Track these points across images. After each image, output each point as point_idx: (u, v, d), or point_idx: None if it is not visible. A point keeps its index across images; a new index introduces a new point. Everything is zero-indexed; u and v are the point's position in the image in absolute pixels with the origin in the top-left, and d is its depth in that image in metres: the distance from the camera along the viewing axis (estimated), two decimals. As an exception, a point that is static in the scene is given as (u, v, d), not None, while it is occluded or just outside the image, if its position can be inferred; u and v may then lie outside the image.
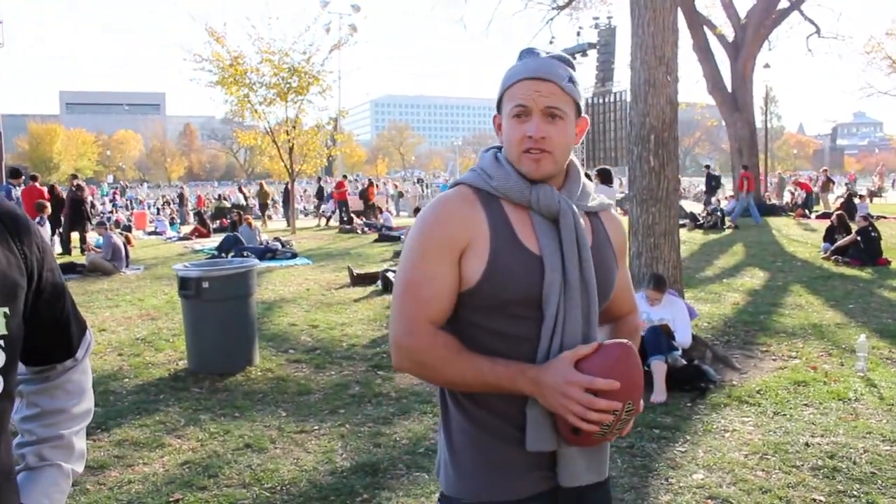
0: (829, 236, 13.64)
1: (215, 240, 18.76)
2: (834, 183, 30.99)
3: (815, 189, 27.61)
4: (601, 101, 38.30)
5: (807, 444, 4.67)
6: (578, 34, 36.08)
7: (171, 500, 4.11)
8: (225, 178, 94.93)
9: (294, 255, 15.46)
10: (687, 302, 6.98)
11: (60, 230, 16.58)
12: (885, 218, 19.73)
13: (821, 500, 3.93)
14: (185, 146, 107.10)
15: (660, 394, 5.60)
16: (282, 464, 4.56)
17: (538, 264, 1.61)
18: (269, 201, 31.25)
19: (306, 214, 31.96)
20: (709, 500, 3.96)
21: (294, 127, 22.81)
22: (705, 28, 24.44)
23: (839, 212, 14.91)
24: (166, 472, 4.50)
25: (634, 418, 1.61)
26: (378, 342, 7.58)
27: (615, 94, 37.33)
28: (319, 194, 31.96)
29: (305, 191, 33.37)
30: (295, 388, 6.09)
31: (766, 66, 29.73)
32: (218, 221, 25.56)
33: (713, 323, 8.18)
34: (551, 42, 38.22)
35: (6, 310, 1.14)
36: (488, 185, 1.67)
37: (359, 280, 11.29)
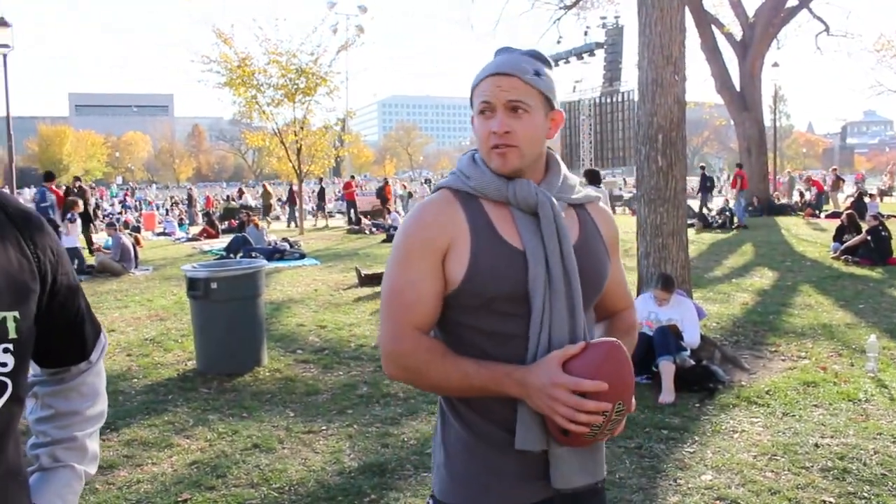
0: (839, 236, 13.58)
1: (224, 240, 18.81)
2: (844, 182, 30.87)
3: (826, 188, 27.52)
4: (609, 100, 38.27)
5: (816, 446, 4.65)
6: (586, 34, 36.09)
7: (179, 499, 4.12)
8: (233, 179, 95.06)
9: (302, 256, 15.49)
10: (695, 302, 6.96)
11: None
12: (895, 217, 19.63)
13: (830, 502, 3.91)
14: (194, 147, 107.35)
15: (668, 394, 5.58)
16: (290, 464, 4.56)
17: (521, 259, 1.60)
18: (273, 202, 31.34)
19: (314, 215, 32.00)
20: (717, 502, 3.94)
21: (302, 128, 22.84)
22: (713, 27, 24.37)
23: (849, 211, 14.85)
24: (175, 472, 4.51)
25: (631, 418, 1.59)
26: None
27: (623, 93, 37.29)
28: (321, 195, 32.00)
29: (314, 191, 33.42)
30: (303, 389, 6.10)
31: (775, 64, 29.61)
32: (226, 222, 25.62)
33: (722, 323, 8.15)
34: (558, 42, 38.21)
35: (16, 314, 1.14)
36: (467, 186, 1.68)
37: (367, 280, 11.30)
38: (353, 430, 5.11)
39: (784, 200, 28.95)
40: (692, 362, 6.00)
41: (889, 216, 18.19)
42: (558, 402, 1.49)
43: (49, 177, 14.01)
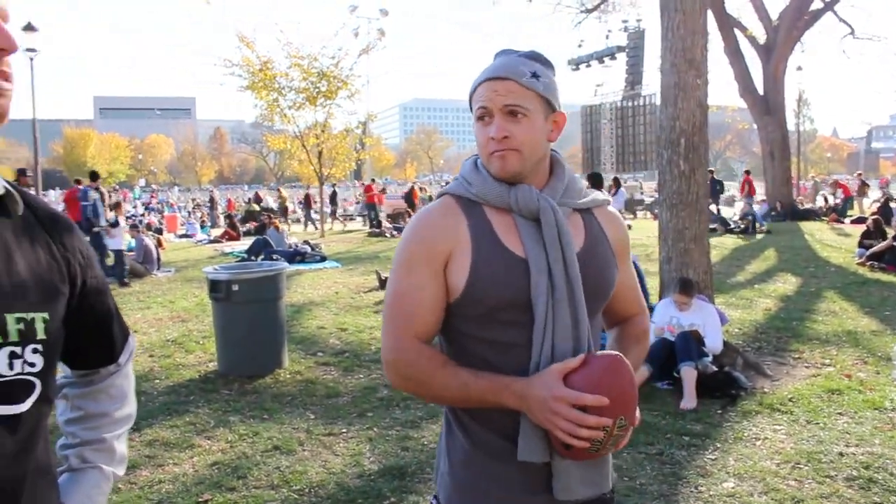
0: (865, 241, 13.42)
1: (245, 243, 18.92)
2: (869, 187, 30.53)
3: (851, 193, 27.24)
4: (630, 104, 38.14)
5: (841, 454, 4.59)
6: (607, 37, 36.00)
7: (200, 500, 4.15)
8: (255, 182, 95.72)
9: (323, 259, 15.54)
10: (718, 307, 6.90)
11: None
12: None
13: (855, 511, 3.86)
14: (216, 150, 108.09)
15: (690, 400, 5.54)
16: (310, 466, 4.57)
17: (523, 267, 1.58)
18: (288, 205, 31.51)
19: (336, 218, 32.11)
20: (740, 509, 3.91)
21: (323, 131, 22.94)
22: (736, 30, 24.18)
23: (875, 216, 14.67)
24: (196, 473, 4.54)
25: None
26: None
27: (644, 97, 37.13)
28: (333, 198, 32.08)
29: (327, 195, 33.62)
30: (323, 391, 6.12)
31: (799, 68, 29.42)
32: (248, 225, 25.77)
33: (744, 329, 8.08)
34: (580, 45, 38.19)
35: (45, 315, 1.15)
36: (469, 192, 1.65)
37: (387, 283, 11.31)
38: (374, 433, 5.12)
39: (808, 205, 28.66)
40: (714, 368, 5.95)
41: (915, 221, 17.99)
42: (559, 417, 1.46)
43: (94, 176, 14.07)
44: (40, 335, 1.13)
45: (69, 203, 14.43)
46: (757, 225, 19.85)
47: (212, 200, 35.78)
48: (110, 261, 13.19)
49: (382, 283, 11.38)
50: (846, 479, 4.22)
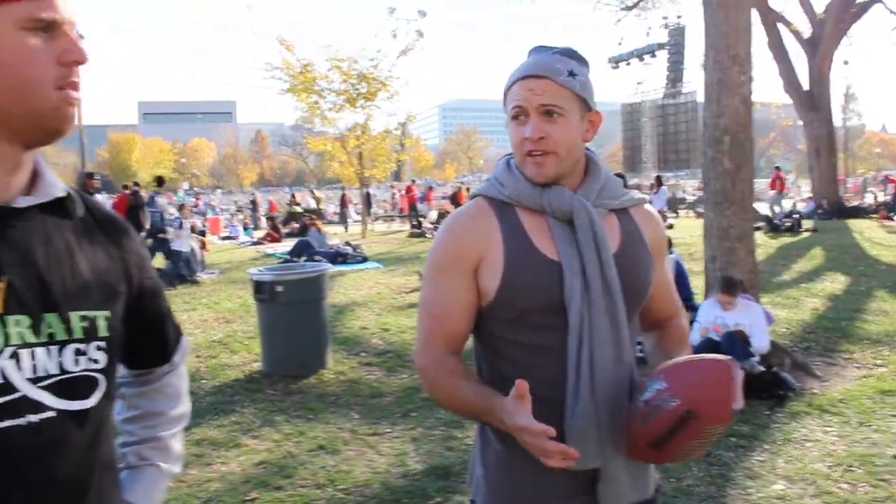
0: (915, 239, 13.09)
1: (287, 244, 19.09)
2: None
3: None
4: (671, 102, 37.70)
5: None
6: (648, 34, 35.61)
7: (247, 499, 4.21)
8: (296, 184, 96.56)
9: (365, 259, 15.61)
10: (764, 307, 6.80)
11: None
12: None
13: (910, 515, 3.77)
14: (257, 153, 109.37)
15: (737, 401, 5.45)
16: (355, 465, 4.61)
17: (556, 270, 1.55)
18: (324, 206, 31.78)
19: (375, 218, 32.28)
20: (790, 512, 3.84)
21: (363, 132, 23.06)
22: (780, 25, 23.76)
23: (925, 213, 14.30)
24: (243, 472, 4.60)
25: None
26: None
27: (686, 94, 36.69)
28: (366, 200, 32.23)
29: (374, 195, 33.76)
30: (367, 391, 6.16)
31: (846, 62, 28.83)
32: (289, 226, 26.00)
33: (791, 329, 7.94)
34: (620, 43, 37.88)
35: (108, 313, 1.18)
36: (502, 194, 1.63)
37: (420, 287, 11.33)
38: (418, 433, 5.14)
39: (856, 202, 28.05)
40: (761, 369, 5.86)
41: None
42: (529, 446, 1.39)
43: (160, 182, 14.36)
44: (103, 333, 1.16)
45: (118, 208, 14.71)
46: (802, 223, 19.51)
47: (253, 203, 36.15)
48: (158, 262, 13.43)
49: (424, 284, 11.40)
50: (901, 483, 4.13)
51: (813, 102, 23.85)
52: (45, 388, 1.06)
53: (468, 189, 20.24)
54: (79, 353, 1.12)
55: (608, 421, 1.54)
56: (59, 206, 1.16)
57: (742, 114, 6.61)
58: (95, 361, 1.14)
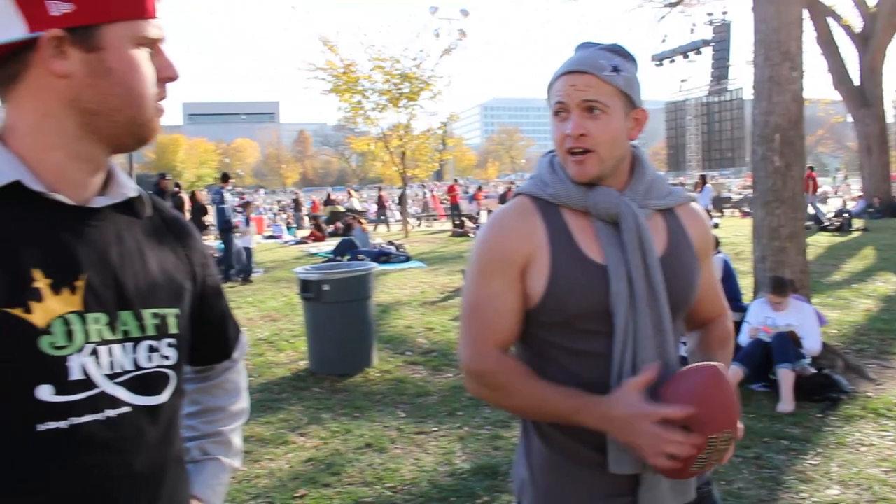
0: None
1: (331, 243, 19.25)
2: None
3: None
4: (716, 99, 37.23)
5: (954, 462, 4.37)
6: (692, 31, 35.20)
7: (296, 495, 4.25)
8: (338, 184, 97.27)
9: (408, 259, 15.67)
10: (815, 308, 6.66)
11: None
12: None
13: (972, 522, 3.67)
14: (300, 152, 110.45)
15: (787, 403, 5.37)
16: (402, 464, 4.63)
17: (602, 274, 1.51)
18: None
19: (419, 220, 32.37)
20: (846, 517, 3.77)
21: (406, 132, 23.15)
22: (829, 19, 23.25)
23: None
24: (291, 469, 4.65)
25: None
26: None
27: (731, 91, 36.20)
28: (401, 200, 32.29)
29: (417, 195, 33.83)
30: (413, 390, 6.18)
31: (898, 57, 28.00)
32: (332, 226, 26.22)
33: (843, 330, 7.77)
34: (664, 40, 37.46)
35: (177, 311, 1.21)
36: (545, 193, 1.59)
37: (463, 289, 11.32)
38: (464, 432, 5.15)
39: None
40: (813, 371, 5.75)
41: None
42: (641, 435, 1.41)
43: (225, 178, 14.61)
44: (173, 330, 1.19)
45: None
46: (855, 222, 19.09)
47: (296, 202, 36.51)
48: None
49: (467, 283, 11.40)
50: (961, 489, 4.02)
51: (864, 98, 23.28)
52: (120, 383, 1.09)
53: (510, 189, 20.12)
54: (151, 349, 1.15)
55: None
56: (128, 206, 1.19)
57: (793, 111, 6.49)
58: (167, 358, 1.18)
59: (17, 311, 0.99)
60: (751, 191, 7.67)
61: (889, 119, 26.85)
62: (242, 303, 10.92)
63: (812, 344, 5.95)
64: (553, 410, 1.51)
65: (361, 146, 25.38)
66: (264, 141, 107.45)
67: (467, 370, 1.60)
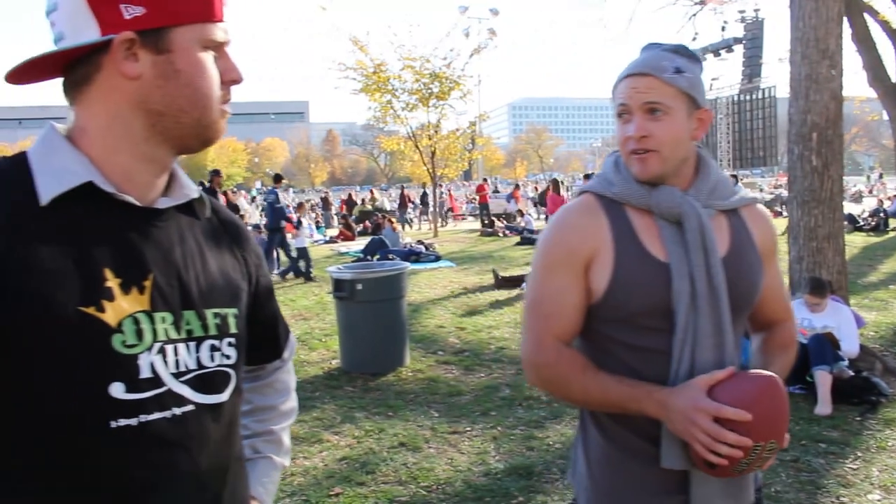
0: None
1: (360, 243, 19.31)
2: None
3: None
4: (748, 98, 36.83)
5: None
6: (723, 29, 34.80)
7: (331, 493, 4.27)
8: (366, 183, 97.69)
9: (438, 258, 15.67)
10: (853, 309, 6.57)
11: None
12: None
13: None
14: (328, 152, 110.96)
15: (825, 406, 5.30)
16: (436, 463, 4.64)
17: (665, 273, 1.54)
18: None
19: (451, 219, 32.41)
20: (888, 522, 3.71)
21: (436, 132, 23.18)
22: (866, 15, 22.85)
23: None
24: (326, 467, 4.68)
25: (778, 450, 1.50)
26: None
27: (763, 90, 35.77)
28: (423, 199, 32.32)
29: (449, 192, 33.90)
30: (445, 390, 6.19)
31: (936, 54, 27.48)
32: (361, 225, 26.31)
33: (881, 332, 7.65)
34: (694, 39, 37.04)
35: (235, 311, 1.23)
36: (610, 192, 1.62)
37: (504, 283, 11.33)
38: (498, 432, 5.14)
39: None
40: (851, 373, 5.67)
41: None
42: (697, 428, 1.43)
43: (278, 178, 14.79)
44: (233, 329, 1.22)
45: None
46: (892, 221, 18.78)
47: (325, 201, 36.67)
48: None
49: (499, 283, 11.40)
50: None
51: (901, 96, 22.86)
52: (185, 382, 1.11)
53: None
54: (213, 348, 1.17)
55: None
56: (188, 207, 1.22)
57: (832, 110, 6.40)
58: (227, 357, 1.20)
59: (91, 310, 1.01)
60: (782, 190, 7.54)
61: (927, 117, 26.32)
62: (274, 301, 10.98)
63: (850, 346, 5.87)
64: (614, 398, 1.54)
65: (391, 146, 25.45)
66: (293, 140, 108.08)
67: (528, 362, 1.64)
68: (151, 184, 1.14)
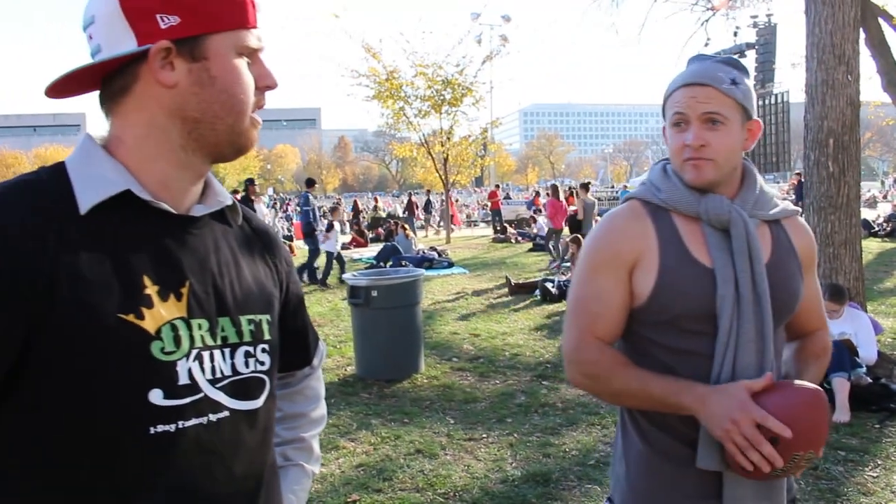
0: None
1: (373, 249, 19.34)
2: None
3: None
4: (761, 103, 36.56)
5: None
6: (735, 34, 34.68)
7: (349, 500, 4.27)
8: (378, 189, 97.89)
9: (450, 265, 15.68)
10: (870, 315, 6.53)
11: None
12: None
13: None
14: (340, 158, 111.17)
15: (843, 413, 5.27)
16: (453, 470, 4.64)
17: (710, 278, 1.57)
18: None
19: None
20: (909, 531, 3.68)
21: (448, 138, 23.21)
22: (881, 19, 22.73)
23: None
24: (342, 474, 4.68)
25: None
26: (541, 352, 7.57)
27: (776, 95, 35.55)
28: (427, 207, 32.29)
29: (457, 200, 33.83)
30: (461, 396, 6.19)
31: (951, 59, 27.32)
32: (373, 231, 26.34)
33: (899, 339, 7.60)
34: (706, 44, 36.97)
35: (268, 317, 1.25)
36: (657, 198, 1.65)
37: (517, 289, 11.32)
38: (514, 439, 5.14)
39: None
40: (869, 380, 5.64)
41: None
42: (737, 430, 1.44)
43: (310, 183, 14.90)
44: (266, 336, 1.23)
45: None
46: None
47: (335, 210, 36.67)
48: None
49: (512, 289, 11.39)
50: None
51: (915, 101, 22.72)
52: (221, 388, 1.12)
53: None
54: (248, 355, 1.18)
55: None
56: (221, 214, 1.23)
57: (848, 115, 6.38)
58: (262, 363, 1.21)
59: (131, 318, 1.02)
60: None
61: (942, 122, 26.15)
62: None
63: (868, 353, 5.84)
64: (655, 391, 1.55)
65: (404, 152, 25.50)
66: (305, 147, 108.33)
67: (569, 359, 1.67)
68: (187, 191, 1.16)
